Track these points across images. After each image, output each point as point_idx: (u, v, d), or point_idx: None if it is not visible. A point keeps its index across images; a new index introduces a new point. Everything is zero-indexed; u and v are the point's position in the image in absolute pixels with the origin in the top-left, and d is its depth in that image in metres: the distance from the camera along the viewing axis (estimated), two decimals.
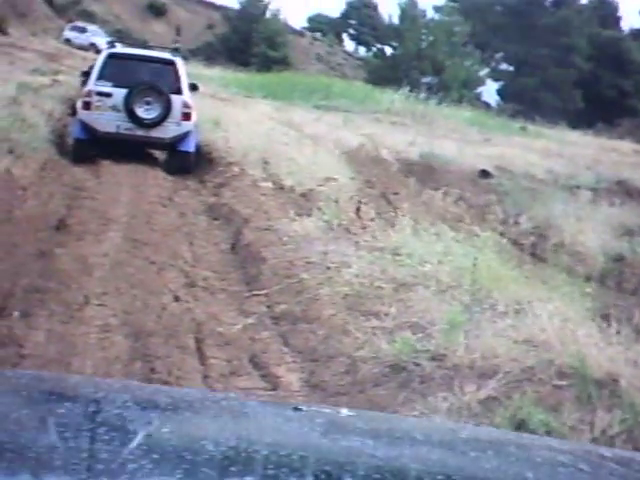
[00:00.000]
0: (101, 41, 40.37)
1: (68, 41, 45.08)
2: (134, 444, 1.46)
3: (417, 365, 5.40)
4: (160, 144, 14.28)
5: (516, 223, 13.87)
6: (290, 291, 7.29)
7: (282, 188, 12.62)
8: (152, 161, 14.69)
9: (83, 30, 46.40)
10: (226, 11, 67.37)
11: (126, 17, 61.77)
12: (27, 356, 5.32)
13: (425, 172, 18.05)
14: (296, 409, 1.77)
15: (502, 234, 12.44)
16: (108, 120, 13.62)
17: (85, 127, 13.66)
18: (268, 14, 66.27)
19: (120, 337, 5.87)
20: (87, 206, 9.83)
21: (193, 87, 14.80)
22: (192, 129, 14.25)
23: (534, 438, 2.24)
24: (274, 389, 5.36)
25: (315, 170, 13.90)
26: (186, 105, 14.09)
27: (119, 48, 15.07)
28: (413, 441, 1.71)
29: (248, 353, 6.00)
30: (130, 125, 13.74)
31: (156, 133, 13.89)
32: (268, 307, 7.08)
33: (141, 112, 13.73)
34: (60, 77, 23.94)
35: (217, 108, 20.82)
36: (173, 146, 14.14)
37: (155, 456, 1.42)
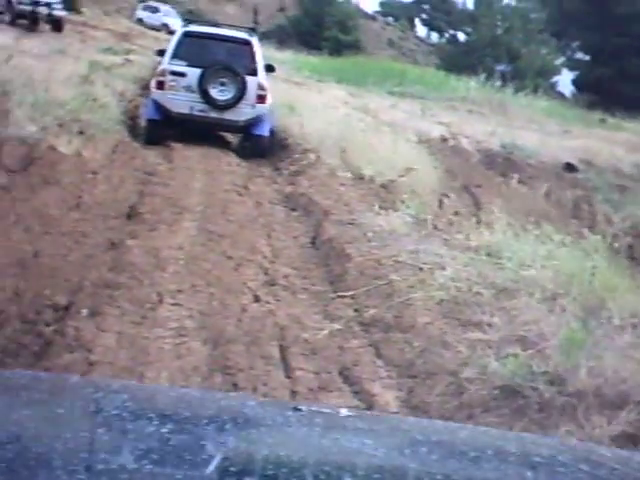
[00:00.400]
0: (173, 21, 40.21)
1: (140, 21, 44.96)
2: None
3: (534, 389, 4.74)
4: (234, 127, 13.81)
5: (608, 222, 13.05)
6: (379, 294, 6.66)
7: (362, 178, 11.98)
8: (225, 145, 14.19)
9: (155, 10, 46.20)
10: None
11: None
12: (96, 363, 4.78)
13: (507, 164, 17.29)
14: (296, 409, 1.75)
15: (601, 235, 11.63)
16: (181, 101, 13.22)
17: (158, 107, 13.26)
18: None
19: (197, 343, 5.30)
20: (159, 193, 9.30)
21: (269, 68, 14.29)
22: (267, 112, 13.76)
23: (534, 438, 2.21)
24: (369, 408, 4.74)
25: (395, 159, 13.23)
26: (261, 87, 13.59)
27: (195, 26, 14.56)
28: (413, 441, 1.69)
29: (337, 365, 5.39)
30: (204, 106, 13.30)
31: (230, 115, 13.41)
32: (356, 311, 6.45)
33: (215, 93, 13.28)
34: (132, 57, 23.57)
35: (291, 92, 20.27)
36: (247, 129, 13.68)
37: (155, 456, 1.41)
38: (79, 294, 5.92)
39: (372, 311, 6.33)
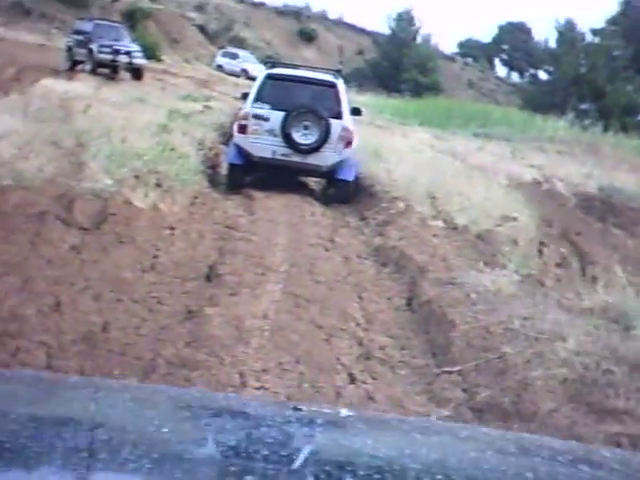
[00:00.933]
0: (252, 67, 40.18)
1: (220, 67, 45.08)
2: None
3: None
4: (317, 172, 13.29)
5: None
6: (491, 370, 5.81)
7: (455, 228, 11.15)
8: (308, 193, 13.52)
9: (234, 56, 46.28)
10: (376, 36, 66.83)
11: (276, 43, 61.69)
12: None
13: (606, 208, 16.24)
14: (296, 409, 1.73)
15: None
16: (264, 145, 12.81)
17: (240, 151, 12.90)
18: (419, 39, 65.46)
19: None
20: (241, 250, 8.59)
21: (355, 111, 13.86)
22: (352, 157, 13.22)
23: (534, 438, 2.18)
24: None
25: (489, 206, 12.39)
26: (346, 131, 13.04)
27: (279, 69, 14.05)
28: (413, 441, 1.69)
29: None
30: (286, 151, 12.85)
31: (313, 160, 12.91)
32: (465, 392, 5.61)
33: (298, 137, 12.81)
34: (212, 103, 23.17)
35: (375, 136, 19.61)
36: (331, 175, 13.16)
37: (155, 455, 1.42)
38: (152, 375, 5.21)
39: (484, 393, 5.48)
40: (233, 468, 1.41)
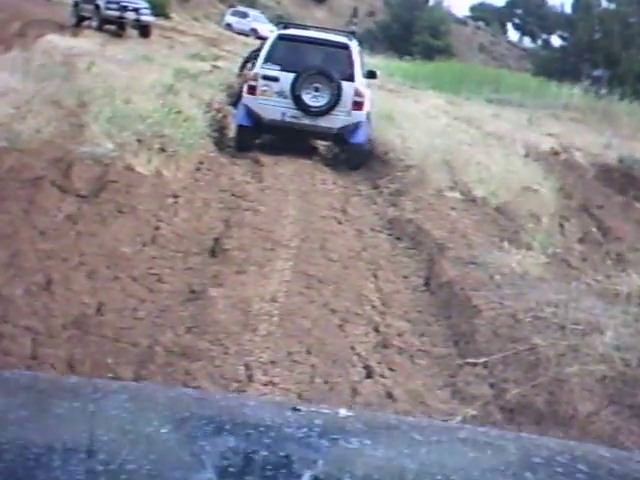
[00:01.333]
0: (262, 26, 39.40)
1: (229, 26, 44.31)
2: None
3: None
4: (327, 134, 12.89)
5: None
6: (520, 363, 5.30)
7: (474, 200, 10.60)
8: (318, 159, 12.98)
9: (244, 15, 45.47)
10: None
11: (287, 3, 60.76)
12: None
13: (627, 181, 15.64)
14: (295, 409, 1.72)
15: None
16: (273, 106, 12.45)
17: (249, 113, 12.53)
18: (431, 2, 64.51)
19: None
20: (248, 222, 8.05)
21: (371, 75, 13.71)
22: (364, 120, 12.75)
23: (534, 438, 2.06)
24: None
25: (508, 178, 11.83)
26: (358, 93, 12.62)
27: (290, 30, 13.54)
28: (413, 441, 1.68)
29: None
30: (296, 113, 12.48)
31: (324, 122, 12.51)
32: (492, 387, 5.10)
33: (308, 99, 12.44)
34: (220, 63, 22.55)
35: (387, 100, 19.00)
36: (342, 138, 12.73)
37: (154, 456, 1.41)
38: (149, 365, 4.71)
39: (515, 390, 4.97)
40: (232, 469, 1.41)
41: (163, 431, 1.54)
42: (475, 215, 9.86)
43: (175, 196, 8.59)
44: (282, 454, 1.50)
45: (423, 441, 1.68)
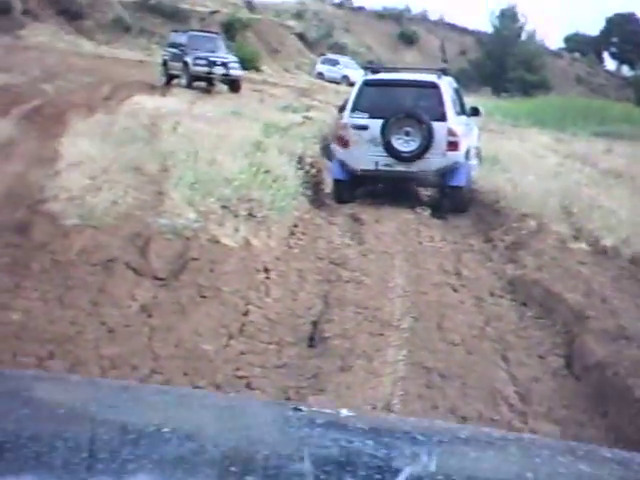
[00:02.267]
0: (353, 73, 38.70)
1: (320, 75, 43.86)
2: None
3: None
4: (424, 180, 12.29)
5: None
6: None
7: (604, 252, 9.29)
8: (422, 212, 11.88)
9: (335, 63, 45.01)
10: (479, 35, 64.86)
11: (377, 47, 60.19)
12: None
13: None
14: (296, 409, 1.70)
15: None
16: (365, 156, 11.87)
17: (343, 165, 12.00)
18: (523, 36, 63.23)
19: None
20: (350, 298, 6.93)
21: (475, 111, 13.41)
22: (461, 160, 11.95)
23: (534, 438, 2.13)
24: None
25: (637, 221, 10.47)
26: (452, 133, 11.90)
27: (377, 74, 12.89)
28: (413, 441, 1.65)
29: None
30: (389, 160, 11.90)
31: (418, 167, 11.89)
32: None
33: (399, 144, 11.85)
34: (312, 113, 21.72)
35: (491, 142, 17.83)
36: (440, 182, 12.06)
37: (155, 456, 1.39)
38: None
39: None
40: (233, 468, 1.39)
41: (163, 431, 1.51)
42: (609, 270, 8.57)
43: (266, 270, 7.57)
44: (283, 454, 1.50)
45: (424, 441, 1.65)
